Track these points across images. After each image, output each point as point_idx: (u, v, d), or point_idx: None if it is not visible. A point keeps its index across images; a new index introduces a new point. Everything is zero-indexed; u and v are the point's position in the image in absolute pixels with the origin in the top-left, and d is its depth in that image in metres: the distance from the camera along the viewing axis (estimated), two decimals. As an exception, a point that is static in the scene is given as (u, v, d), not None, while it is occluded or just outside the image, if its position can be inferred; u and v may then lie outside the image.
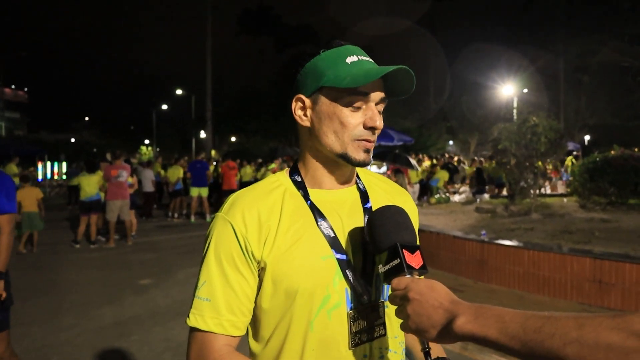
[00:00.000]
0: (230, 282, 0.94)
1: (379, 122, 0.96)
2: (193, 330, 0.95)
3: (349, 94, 0.94)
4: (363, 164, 0.98)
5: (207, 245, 0.98)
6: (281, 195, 1.01)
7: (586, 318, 0.61)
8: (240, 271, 0.95)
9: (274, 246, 0.95)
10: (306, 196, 1.01)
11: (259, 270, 0.97)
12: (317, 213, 0.99)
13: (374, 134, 0.97)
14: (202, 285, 0.95)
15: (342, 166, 1.01)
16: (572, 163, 13.75)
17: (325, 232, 0.97)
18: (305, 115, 1.01)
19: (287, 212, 0.98)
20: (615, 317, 0.59)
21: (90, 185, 8.69)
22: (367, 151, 0.98)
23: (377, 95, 0.96)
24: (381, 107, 0.99)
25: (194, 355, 0.94)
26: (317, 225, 0.98)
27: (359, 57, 0.98)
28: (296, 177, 1.04)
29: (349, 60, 0.96)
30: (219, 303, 0.93)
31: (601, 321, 0.59)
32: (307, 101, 1.00)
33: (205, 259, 0.97)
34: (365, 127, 0.96)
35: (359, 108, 0.96)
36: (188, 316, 0.95)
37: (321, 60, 0.98)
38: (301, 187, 1.03)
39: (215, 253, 0.96)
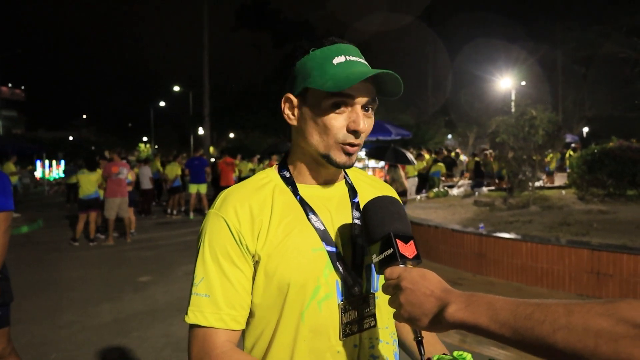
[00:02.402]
0: (228, 276, 0.95)
1: (362, 126, 0.95)
2: (193, 327, 0.95)
3: (332, 96, 0.94)
4: (344, 166, 0.99)
5: (201, 242, 0.99)
6: (271, 191, 1.02)
7: (576, 304, 0.61)
8: (237, 265, 0.95)
9: (267, 240, 0.96)
10: (295, 191, 1.03)
11: (253, 264, 0.97)
12: (307, 207, 1.01)
13: (358, 137, 0.96)
14: (199, 282, 0.95)
15: (326, 165, 1.02)
16: (570, 155, 13.74)
17: (316, 226, 0.99)
18: (293, 114, 1.02)
19: (277, 206, 0.99)
20: (604, 303, 0.59)
21: (89, 183, 8.70)
22: (349, 154, 0.98)
23: (362, 97, 0.95)
24: (371, 107, 0.98)
25: (196, 353, 0.93)
26: (308, 218, 0.99)
27: (347, 57, 0.96)
28: (285, 172, 1.06)
29: (336, 61, 0.95)
30: (218, 298, 0.94)
31: (590, 307, 0.59)
32: (295, 100, 1.01)
33: (201, 255, 0.97)
34: (349, 130, 0.96)
35: (343, 110, 0.95)
36: (187, 313, 0.95)
37: (310, 60, 0.97)
38: (290, 182, 1.04)
39: (210, 249, 0.96)
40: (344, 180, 1.11)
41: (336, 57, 0.95)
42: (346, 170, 1.13)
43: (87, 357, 3.84)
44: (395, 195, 1.18)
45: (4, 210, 2.62)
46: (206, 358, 0.91)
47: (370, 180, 1.19)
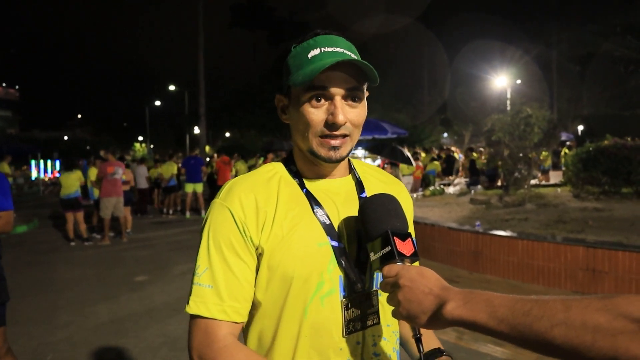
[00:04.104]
0: (231, 268, 0.93)
1: (341, 118, 0.92)
2: (194, 317, 0.93)
3: (308, 90, 0.93)
4: (329, 161, 0.97)
5: (204, 231, 0.97)
6: (277, 183, 1.02)
7: (573, 300, 0.61)
8: (240, 256, 0.94)
9: (272, 233, 0.95)
10: (302, 184, 1.02)
11: (257, 256, 0.97)
12: (312, 201, 1.00)
13: (336, 129, 0.94)
14: (203, 273, 0.93)
15: (318, 161, 1.00)
16: (565, 153, 13.80)
17: (321, 220, 0.98)
18: (284, 113, 1.04)
19: (283, 199, 0.99)
20: (602, 299, 0.59)
21: (69, 182, 8.71)
22: (333, 148, 0.95)
23: (338, 88, 0.93)
24: (357, 95, 0.95)
25: (197, 344, 0.91)
26: (313, 212, 0.98)
27: (323, 48, 0.94)
28: (291, 166, 1.06)
29: (311, 54, 0.94)
30: (221, 289, 0.92)
31: (588, 303, 0.59)
32: (284, 100, 1.02)
33: (204, 245, 0.96)
34: (327, 123, 0.94)
35: (322, 104, 0.94)
36: (188, 303, 0.93)
37: (291, 58, 0.98)
38: (297, 175, 1.04)
39: (214, 239, 0.95)
40: (351, 174, 1.09)
41: (312, 51, 0.95)
42: (355, 164, 1.13)
43: (84, 357, 3.83)
44: (403, 187, 1.18)
45: (5, 210, 2.67)
46: (207, 350, 0.89)
47: (378, 174, 1.17)
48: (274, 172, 1.05)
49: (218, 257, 0.94)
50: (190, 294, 0.94)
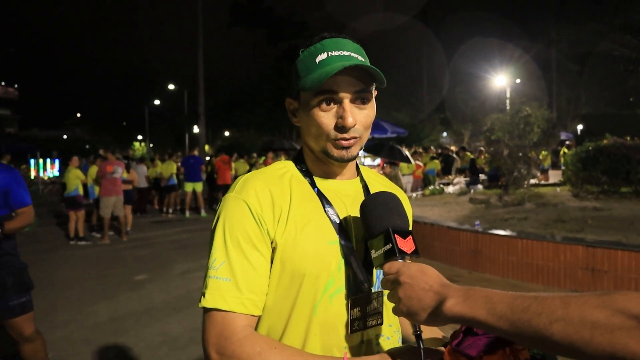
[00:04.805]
0: (249, 260, 0.93)
1: (350, 121, 0.94)
2: (210, 311, 0.91)
3: (317, 94, 0.95)
4: (341, 160, 0.99)
5: (219, 225, 0.96)
6: (289, 181, 1.03)
7: (572, 297, 0.62)
8: (258, 248, 0.94)
9: (286, 229, 0.96)
10: (313, 183, 1.04)
11: (271, 249, 0.97)
12: (324, 199, 1.02)
13: (346, 132, 0.96)
14: (220, 266, 0.92)
15: (330, 161, 1.03)
16: (564, 153, 13.81)
17: (332, 218, 1.00)
18: (295, 116, 1.06)
19: (296, 196, 1.00)
20: (600, 295, 0.60)
21: (69, 181, 8.76)
22: (344, 148, 0.98)
23: (347, 91, 0.95)
24: (365, 97, 0.97)
25: (214, 338, 0.88)
26: (325, 211, 1.00)
27: (330, 52, 0.96)
28: (301, 165, 1.07)
29: (319, 59, 0.96)
30: (239, 282, 0.91)
31: (586, 299, 0.60)
32: (294, 103, 1.05)
33: (219, 239, 0.95)
34: (337, 126, 0.96)
35: (331, 107, 0.96)
36: (204, 297, 0.91)
37: (299, 62, 1.00)
38: (307, 174, 1.06)
39: (230, 232, 0.94)
40: (358, 177, 1.12)
41: (319, 55, 0.97)
42: (360, 168, 1.15)
43: (84, 356, 3.83)
44: (404, 196, 1.19)
45: (27, 205, 2.76)
46: (227, 343, 0.87)
47: (382, 180, 1.20)
48: (285, 170, 1.06)
49: (235, 250, 0.93)
50: (205, 288, 0.93)
